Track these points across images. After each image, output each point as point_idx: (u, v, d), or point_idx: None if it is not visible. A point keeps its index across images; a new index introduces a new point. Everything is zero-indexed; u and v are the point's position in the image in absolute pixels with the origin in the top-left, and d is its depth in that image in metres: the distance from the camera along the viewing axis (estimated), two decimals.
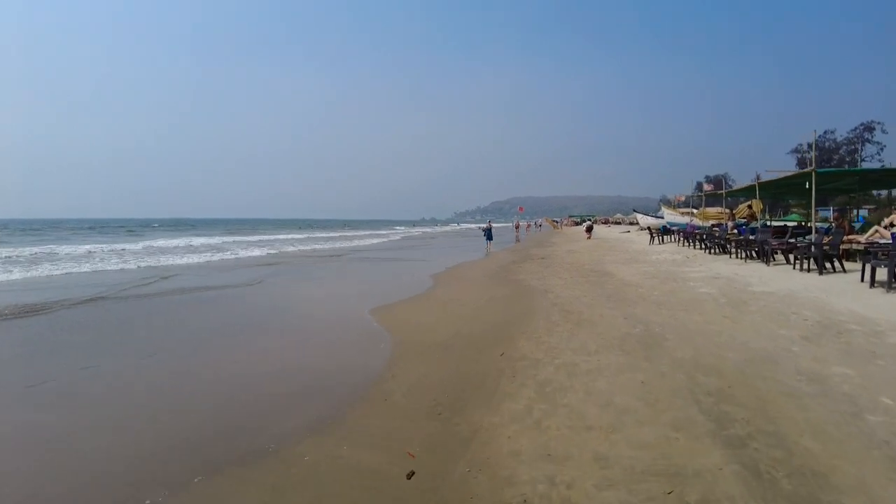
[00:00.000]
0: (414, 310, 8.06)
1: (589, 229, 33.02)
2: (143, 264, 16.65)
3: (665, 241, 22.22)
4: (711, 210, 26.24)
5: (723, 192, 18.95)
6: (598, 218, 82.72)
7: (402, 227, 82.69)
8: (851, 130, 52.11)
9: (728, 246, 15.34)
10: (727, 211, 23.67)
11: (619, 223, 67.70)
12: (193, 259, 18.95)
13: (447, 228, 79.27)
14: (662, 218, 33.63)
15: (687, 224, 23.00)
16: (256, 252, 23.05)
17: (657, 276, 11.03)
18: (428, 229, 72.88)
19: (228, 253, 22.26)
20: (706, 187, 24.87)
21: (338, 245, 30.17)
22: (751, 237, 13.73)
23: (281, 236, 41.07)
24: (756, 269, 11.20)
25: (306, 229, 63.06)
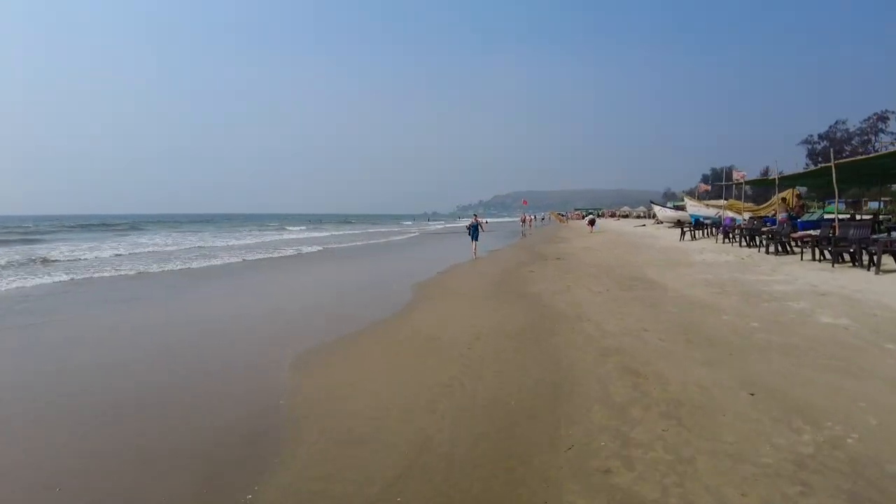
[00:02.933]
0: (363, 363, 4.84)
1: (591, 222, 32.76)
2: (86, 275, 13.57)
3: (696, 236, 19.10)
4: (742, 202, 23.04)
5: (775, 178, 15.63)
6: (604, 211, 79.31)
7: (411, 222, 78.79)
8: (864, 120, 48.52)
9: (791, 245, 12.16)
10: (764, 203, 20.44)
11: (626, 216, 64.44)
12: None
13: (457, 224, 75.07)
14: (682, 210, 30.45)
15: (722, 217, 19.84)
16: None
17: (726, 288, 7.87)
18: (441, 224, 68.85)
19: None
20: (736, 175, 21.49)
21: (367, 242, 27.03)
22: (830, 233, 10.51)
23: (324, 233, 37.32)
24: (860, 278, 8.01)
25: (342, 225, 59.53)
